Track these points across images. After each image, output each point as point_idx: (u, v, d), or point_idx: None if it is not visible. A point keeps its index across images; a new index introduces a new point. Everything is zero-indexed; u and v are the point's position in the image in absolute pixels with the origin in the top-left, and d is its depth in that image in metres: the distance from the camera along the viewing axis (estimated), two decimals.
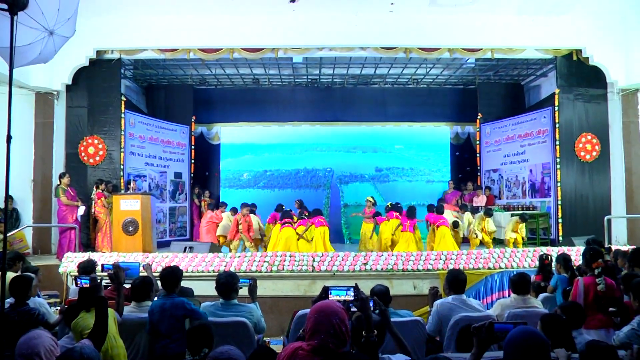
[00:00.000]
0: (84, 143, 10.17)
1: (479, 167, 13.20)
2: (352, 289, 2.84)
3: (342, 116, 13.85)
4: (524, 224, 9.76)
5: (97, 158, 10.21)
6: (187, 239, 12.06)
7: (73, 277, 5.80)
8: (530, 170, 11.66)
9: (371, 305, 2.79)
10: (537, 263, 7.10)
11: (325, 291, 2.90)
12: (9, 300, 3.94)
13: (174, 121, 12.61)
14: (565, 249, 7.94)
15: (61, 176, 9.31)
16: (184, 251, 8.37)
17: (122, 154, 10.39)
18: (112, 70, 10.43)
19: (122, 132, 10.41)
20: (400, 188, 14.48)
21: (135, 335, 4.11)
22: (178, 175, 12.56)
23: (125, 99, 10.69)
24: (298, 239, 9.34)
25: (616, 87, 10.19)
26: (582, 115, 10.47)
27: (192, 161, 13.01)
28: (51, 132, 10.10)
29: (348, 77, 13.35)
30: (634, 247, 6.24)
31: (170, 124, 12.43)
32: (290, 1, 9.06)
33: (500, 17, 9.85)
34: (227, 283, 4.15)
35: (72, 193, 9.29)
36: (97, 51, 10.04)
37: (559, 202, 10.46)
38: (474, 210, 10.57)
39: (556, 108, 10.55)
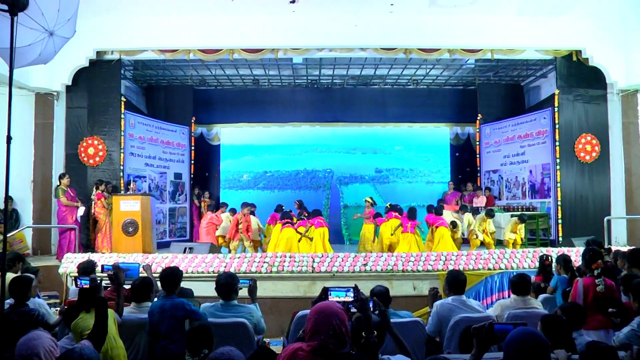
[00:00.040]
0: (84, 144, 10.17)
1: (478, 168, 13.20)
2: (351, 289, 2.84)
3: (342, 117, 13.85)
4: (523, 224, 9.76)
5: (97, 159, 10.21)
6: (187, 239, 12.07)
7: (73, 278, 5.79)
8: (530, 171, 11.66)
9: (371, 306, 2.79)
10: (537, 264, 7.10)
11: (325, 292, 2.90)
12: (9, 301, 3.94)
13: (174, 122, 12.61)
14: (565, 250, 7.94)
15: (61, 177, 9.31)
16: (184, 252, 8.37)
17: (122, 154, 10.39)
18: (112, 71, 10.44)
19: (122, 133, 10.41)
20: (400, 189, 14.49)
21: (135, 336, 4.10)
22: (178, 176, 12.56)
23: (125, 100, 10.69)
24: (300, 239, 9.33)
25: (616, 87, 10.19)
26: (582, 116, 10.47)
27: (192, 162, 13.01)
28: (51, 133, 10.10)
29: (348, 77, 13.36)
30: (633, 247, 6.23)
31: (170, 125, 12.44)
32: (290, 2, 9.07)
33: (500, 17, 9.85)
34: (226, 284, 4.15)
35: (72, 194, 9.29)
36: (97, 52, 10.04)
37: (559, 203, 10.46)
38: (474, 211, 10.57)
39: (556, 109, 10.56)
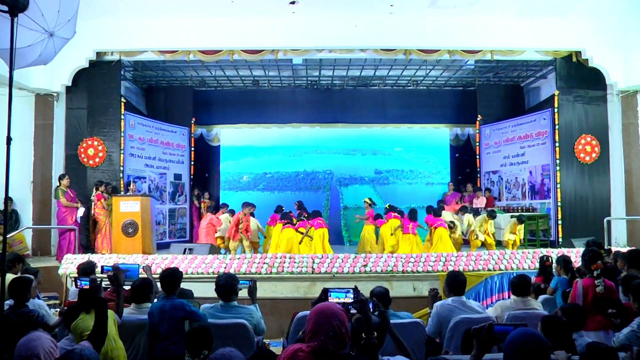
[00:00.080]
0: (84, 144, 10.17)
1: (478, 169, 13.21)
2: (351, 291, 2.84)
3: (341, 118, 13.86)
4: (522, 225, 9.76)
5: (97, 160, 10.21)
6: (187, 240, 12.06)
7: (73, 279, 5.79)
8: (530, 172, 11.67)
9: (370, 307, 2.79)
10: (536, 265, 7.11)
11: (325, 293, 2.90)
12: (9, 302, 3.94)
13: (174, 123, 12.61)
14: (565, 251, 7.94)
15: (61, 178, 9.31)
16: (184, 253, 8.37)
17: (121, 155, 10.39)
18: (112, 72, 10.44)
19: (122, 134, 10.41)
20: (400, 190, 14.49)
21: (134, 337, 4.10)
22: (178, 176, 12.56)
23: (125, 101, 10.69)
24: (301, 241, 9.32)
25: (616, 88, 10.20)
26: (582, 117, 10.48)
27: (192, 163, 13.01)
28: (51, 134, 10.10)
29: (348, 78, 13.36)
30: (632, 248, 6.24)
31: (170, 126, 12.44)
32: (290, 3, 9.07)
33: (500, 18, 9.86)
34: (226, 285, 4.15)
35: (71, 195, 9.29)
36: (97, 53, 10.05)
37: (559, 204, 10.47)
38: (475, 212, 10.56)
39: (556, 110, 10.56)
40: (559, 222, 10.45)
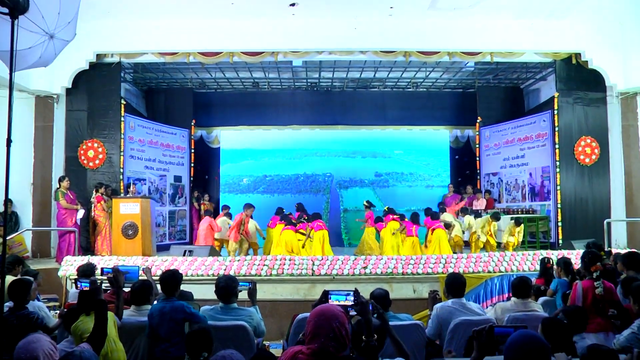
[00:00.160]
0: (84, 146, 10.17)
1: (478, 171, 13.21)
2: (351, 293, 2.84)
3: (341, 120, 13.87)
4: (520, 227, 9.75)
5: (97, 161, 10.21)
6: (187, 242, 12.06)
7: (73, 281, 5.79)
8: (530, 174, 11.67)
9: (370, 309, 2.79)
10: (536, 266, 7.12)
11: (326, 295, 2.90)
12: (8, 304, 3.93)
13: (174, 125, 12.62)
14: (565, 253, 7.93)
15: (61, 179, 9.31)
16: (184, 255, 8.36)
17: (121, 157, 10.39)
18: (112, 74, 10.45)
19: (122, 136, 10.41)
20: (400, 193, 14.48)
21: (134, 339, 4.09)
22: (178, 178, 12.55)
23: (125, 103, 10.70)
24: (304, 245, 9.33)
25: (615, 90, 10.20)
26: (582, 119, 10.49)
27: (192, 165, 13.02)
28: (51, 136, 10.10)
29: (347, 80, 13.37)
30: (629, 250, 6.23)
31: (170, 128, 12.44)
32: (290, 5, 9.08)
33: (500, 20, 9.87)
34: (226, 287, 4.14)
35: (71, 196, 9.29)
36: (97, 55, 10.06)
37: (559, 206, 10.47)
38: (476, 214, 10.53)
39: (555, 111, 10.57)
40: (559, 224, 10.45)
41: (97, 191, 9.55)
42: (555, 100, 10.57)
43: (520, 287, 4.41)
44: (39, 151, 10.01)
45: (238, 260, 7.81)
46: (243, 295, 4.39)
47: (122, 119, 10.45)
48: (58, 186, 9.29)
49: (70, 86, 10.07)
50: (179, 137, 12.64)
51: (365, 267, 7.55)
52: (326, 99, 13.91)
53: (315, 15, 9.63)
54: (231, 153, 14.46)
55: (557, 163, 10.50)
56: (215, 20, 9.72)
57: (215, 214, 11.80)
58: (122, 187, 10.29)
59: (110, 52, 10.27)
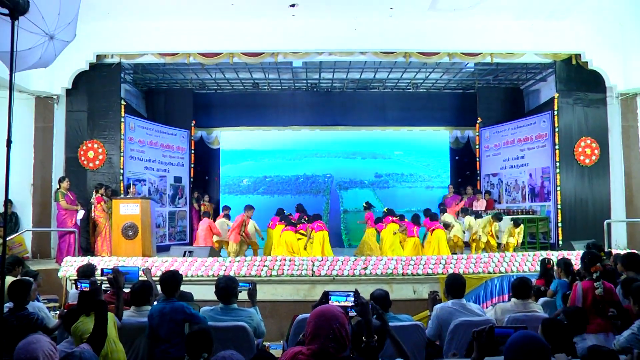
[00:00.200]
0: (84, 147, 10.17)
1: (478, 172, 13.21)
2: (352, 294, 2.84)
3: (341, 120, 13.87)
4: (519, 228, 9.74)
5: (97, 162, 10.21)
6: (187, 243, 12.05)
7: (73, 281, 5.79)
8: (530, 175, 11.67)
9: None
10: (537, 267, 7.11)
11: (326, 296, 2.90)
12: (8, 305, 3.93)
13: (174, 125, 12.62)
14: (565, 253, 7.94)
15: (61, 180, 9.31)
16: (184, 255, 8.36)
17: (121, 158, 10.39)
18: (112, 75, 10.45)
19: (122, 137, 10.41)
20: (400, 194, 14.48)
21: (134, 340, 4.09)
22: (178, 179, 12.55)
23: (125, 103, 10.70)
24: (305, 247, 9.33)
25: (615, 91, 10.20)
26: (582, 120, 10.49)
27: (192, 165, 13.01)
28: (51, 136, 10.11)
29: (347, 81, 13.37)
30: (628, 251, 6.23)
31: (170, 128, 12.44)
32: (290, 6, 9.09)
33: (500, 21, 9.87)
34: (226, 287, 4.14)
35: (71, 197, 9.29)
36: (97, 55, 10.06)
37: (559, 206, 10.47)
38: (476, 215, 10.52)
39: (555, 112, 10.57)
40: (559, 224, 10.45)
41: (97, 192, 9.55)
42: (555, 101, 10.57)
43: (521, 287, 4.41)
44: (39, 152, 10.01)
45: (238, 261, 7.81)
46: (243, 296, 4.39)
47: (122, 119, 10.45)
48: (58, 187, 9.30)
49: (70, 87, 10.07)
50: (179, 137, 12.64)
51: (365, 268, 7.55)
52: (326, 100, 13.91)
53: (315, 16, 9.63)
54: (231, 154, 14.46)
55: (557, 164, 10.50)
56: (215, 21, 9.73)
57: (215, 214, 11.80)
58: (122, 188, 10.29)
59: (110, 53, 10.27)
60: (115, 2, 8.92)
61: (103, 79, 10.36)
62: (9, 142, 2.95)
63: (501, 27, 9.95)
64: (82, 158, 10.15)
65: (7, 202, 3.29)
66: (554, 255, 7.48)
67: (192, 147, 13.05)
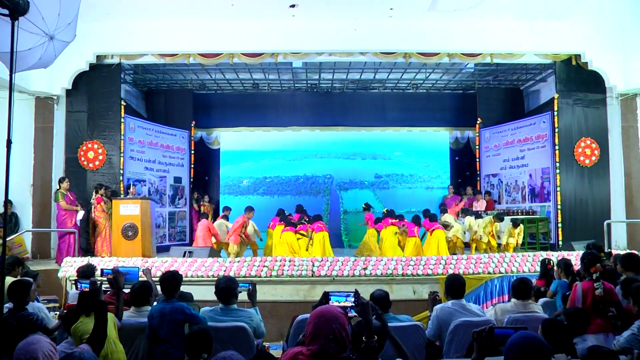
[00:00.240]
0: (84, 148, 10.17)
1: (478, 172, 13.21)
2: (352, 295, 2.84)
3: (341, 121, 13.87)
4: (518, 228, 9.74)
5: (97, 163, 10.21)
6: (187, 243, 12.04)
7: (72, 282, 5.79)
8: (530, 175, 11.67)
9: None
10: (537, 268, 7.11)
11: (326, 297, 2.90)
12: (8, 305, 3.93)
13: (174, 126, 12.62)
14: (565, 254, 7.94)
15: (61, 181, 9.31)
16: (184, 256, 8.36)
17: (121, 158, 10.39)
18: (112, 75, 10.45)
19: (122, 137, 10.41)
20: (400, 195, 14.47)
21: (134, 340, 4.09)
22: (178, 180, 12.55)
23: (125, 104, 10.70)
24: (308, 247, 9.33)
25: (615, 92, 10.20)
26: (582, 120, 10.49)
27: (192, 166, 13.02)
28: (51, 137, 10.10)
29: (347, 82, 13.37)
30: (628, 251, 6.23)
31: (170, 129, 12.44)
32: (290, 6, 9.09)
33: (499, 22, 9.88)
34: (226, 288, 4.14)
35: (71, 197, 9.29)
36: (97, 56, 10.06)
37: (559, 207, 10.47)
38: (477, 215, 10.53)
39: (555, 113, 10.57)
40: (559, 225, 10.45)
41: (97, 192, 9.54)
42: (555, 101, 10.57)
43: (521, 288, 4.41)
44: (39, 152, 10.01)
45: (238, 262, 7.81)
46: (243, 296, 4.39)
47: (122, 120, 10.45)
48: (58, 187, 9.30)
49: (70, 87, 10.07)
50: (178, 138, 12.65)
51: (365, 269, 7.55)
52: (326, 101, 13.91)
53: (315, 16, 9.63)
54: (231, 154, 14.46)
55: (557, 164, 10.50)
56: (215, 21, 9.73)
57: (215, 215, 11.79)
58: (122, 188, 10.29)
59: (110, 54, 10.27)
60: (115, 2, 8.92)
61: (103, 79, 10.36)
62: (9, 142, 2.95)
63: (501, 28, 9.95)
64: (82, 158, 10.15)
65: (7, 202, 3.29)
66: (554, 256, 7.48)
67: (192, 148, 13.06)
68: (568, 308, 4.27)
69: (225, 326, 3.97)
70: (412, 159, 14.85)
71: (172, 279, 4.22)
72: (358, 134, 14.22)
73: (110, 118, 10.37)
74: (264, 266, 7.61)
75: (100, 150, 10.21)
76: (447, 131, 14.18)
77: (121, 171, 10.37)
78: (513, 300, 4.45)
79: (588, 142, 10.35)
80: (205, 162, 13.91)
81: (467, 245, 10.24)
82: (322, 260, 7.81)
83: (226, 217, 10.72)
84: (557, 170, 10.50)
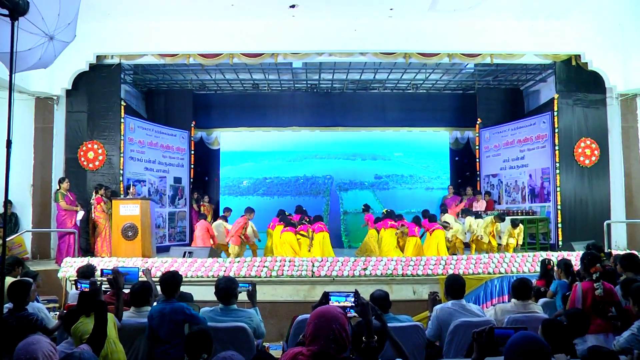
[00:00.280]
0: (84, 148, 10.17)
1: (478, 172, 13.21)
2: (351, 295, 2.84)
3: (341, 121, 13.88)
4: (517, 229, 9.73)
5: (97, 163, 10.21)
6: (187, 244, 12.02)
7: (72, 282, 5.79)
8: (530, 175, 11.67)
9: None
10: (537, 268, 7.11)
11: (326, 297, 2.90)
12: (8, 306, 3.93)
13: (174, 126, 12.62)
14: (565, 254, 7.94)
15: (60, 181, 9.31)
16: (184, 256, 8.36)
17: (121, 159, 10.39)
18: (112, 75, 10.45)
19: (122, 137, 10.41)
20: (400, 195, 14.46)
21: (134, 340, 4.09)
22: (177, 180, 12.55)
23: (125, 104, 10.70)
24: (309, 248, 9.33)
25: (615, 92, 10.20)
26: (581, 120, 10.49)
27: (192, 166, 13.02)
28: (51, 137, 10.10)
29: (347, 82, 13.38)
30: (630, 251, 6.23)
31: (169, 129, 12.44)
32: (290, 6, 9.09)
33: (499, 22, 9.88)
34: (226, 288, 4.14)
35: (71, 198, 9.29)
36: (97, 56, 10.06)
37: (559, 207, 10.47)
38: (477, 216, 10.52)
39: (555, 113, 10.57)
40: (559, 225, 10.45)
41: (96, 192, 9.54)
42: (555, 101, 10.58)
43: (521, 288, 4.40)
44: (38, 152, 10.01)
45: (238, 262, 7.81)
46: (243, 296, 4.39)
47: (122, 120, 10.45)
48: (58, 187, 9.30)
49: (70, 87, 10.07)
50: (178, 138, 12.65)
51: (365, 269, 7.55)
52: (326, 101, 13.92)
53: (315, 16, 9.63)
54: (231, 155, 14.45)
55: (557, 164, 10.50)
56: (215, 21, 9.73)
57: (215, 215, 11.78)
58: (122, 189, 10.29)
59: (110, 54, 10.28)
60: (115, 2, 8.92)
61: (103, 79, 10.37)
62: (8, 142, 2.95)
63: (501, 28, 9.95)
64: (82, 159, 10.15)
65: (7, 202, 3.29)
66: (554, 256, 7.48)
67: (192, 148, 13.06)
68: (569, 309, 4.26)
69: (225, 326, 3.96)
70: (412, 159, 14.84)
71: (172, 279, 4.22)
72: (358, 134, 14.22)
73: (110, 118, 10.37)
74: (264, 266, 7.61)
75: (100, 151, 10.21)
76: (447, 131, 14.18)
77: (121, 171, 10.37)
78: (513, 300, 4.45)
79: (588, 142, 10.36)
80: (205, 162, 13.91)
81: (467, 246, 10.23)
82: (322, 260, 7.81)
83: (225, 218, 10.71)
84: (557, 171, 10.50)
